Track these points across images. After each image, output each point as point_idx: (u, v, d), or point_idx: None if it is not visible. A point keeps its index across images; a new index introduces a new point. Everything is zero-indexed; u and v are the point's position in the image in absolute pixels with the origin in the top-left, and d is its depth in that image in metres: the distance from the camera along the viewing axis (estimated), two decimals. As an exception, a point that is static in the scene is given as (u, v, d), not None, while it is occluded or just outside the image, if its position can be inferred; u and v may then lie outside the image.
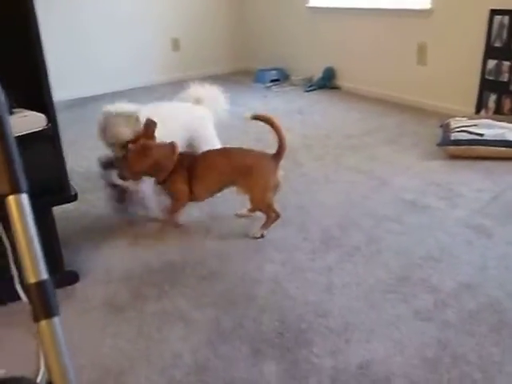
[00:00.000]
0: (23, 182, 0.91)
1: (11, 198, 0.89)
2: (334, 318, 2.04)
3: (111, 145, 2.89)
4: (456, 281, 2.23)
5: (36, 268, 0.87)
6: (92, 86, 6.07)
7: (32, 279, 0.87)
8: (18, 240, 0.88)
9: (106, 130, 2.87)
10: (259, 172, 2.66)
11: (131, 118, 2.85)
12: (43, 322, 0.86)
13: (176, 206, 2.85)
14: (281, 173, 2.69)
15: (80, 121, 5.13)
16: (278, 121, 2.62)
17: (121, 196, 2.99)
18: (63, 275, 2.41)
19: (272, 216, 2.73)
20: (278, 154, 2.66)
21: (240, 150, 2.79)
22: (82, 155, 4.09)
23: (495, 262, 2.34)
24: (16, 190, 0.90)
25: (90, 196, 3.35)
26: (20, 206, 0.90)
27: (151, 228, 2.91)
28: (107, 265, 2.57)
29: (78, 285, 2.41)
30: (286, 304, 2.15)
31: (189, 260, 2.55)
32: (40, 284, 0.87)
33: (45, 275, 0.88)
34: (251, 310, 2.13)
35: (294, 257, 2.51)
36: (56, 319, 0.88)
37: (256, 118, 2.66)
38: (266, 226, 2.74)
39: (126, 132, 2.83)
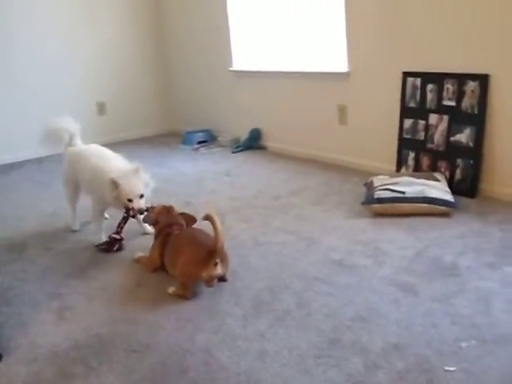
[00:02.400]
0: None
1: None
2: (267, 387, 2.03)
3: (128, 200, 3.24)
4: (385, 341, 2.26)
5: None
6: (15, 151, 5.95)
7: None
8: None
9: (119, 188, 3.21)
10: (187, 256, 2.73)
11: (137, 172, 3.27)
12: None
13: (146, 263, 3.11)
14: (217, 270, 2.70)
15: (2, 188, 5.00)
16: (219, 225, 2.63)
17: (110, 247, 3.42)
18: (-16, 356, 2.30)
19: (180, 294, 2.74)
20: (213, 252, 2.64)
21: (186, 236, 2.92)
22: (5, 225, 3.98)
23: (421, 320, 2.39)
24: None
25: (14, 268, 3.25)
26: None
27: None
28: (32, 342, 2.47)
29: (0, 365, 2.30)
30: (218, 375, 2.12)
31: (118, 332, 2.48)
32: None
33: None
34: (183, 383, 2.09)
35: (225, 324, 2.49)
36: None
37: (206, 218, 2.66)
38: (175, 292, 2.76)
39: (139, 184, 3.27)
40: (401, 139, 4.37)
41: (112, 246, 3.42)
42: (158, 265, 3.03)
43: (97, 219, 3.57)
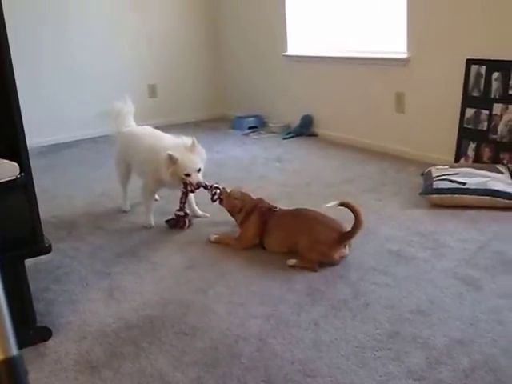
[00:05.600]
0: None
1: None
2: (323, 377, 1.94)
3: (186, 175, 3.22)
4: (448, 336, 2.14)
5: (5, 343, 0.76)
6: (67, 131, 5.99)
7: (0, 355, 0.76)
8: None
9: (177, 163, 3.19)
10: (317, 235, 2.81)
11: (194, 146, 3.25)
12: (12, 405, 0.75)
13: (236, 243, 3.11)
14: (345, 251, 2.82)
15: (53, 168, 5.03)
16: (356, 205, 2.76)
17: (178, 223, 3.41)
18: (35, 331, 2.27)
19: (307, 266, 2.78)
20: (349, 233, 2.77)
21: (310, 216, 2.93)
22: (55, 203, 3.98)
23: (486, 316, 2.26)
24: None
25: (64, 246, 3.23)
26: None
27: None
28: (82, 320, 2.44)
29: (50, 341, 2.28)
30: (271, 363, 2.04)
31: (168, 314, 2.43)
32: (9, 361, 0.76)
33: (15, 351, 0.77)
34: (235, 369, 2.02)
35: (278, 310, 2.41)
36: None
37: (342, 205, 2.78)
38: (299, 265, 2.80)
39: (197, 158, 3.26)
40: (461, 129, 4.20)
41: (178, 222, 3.40)
42: (255, 243, 3.05)
43: (147, 201, 3.54)
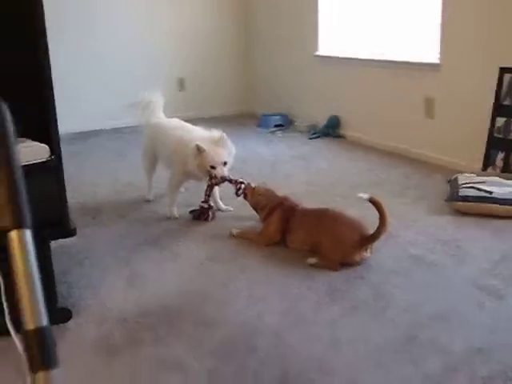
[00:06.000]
0: (28, 217, 0.82)
1: (13, 234, 0.80)
2: (340, 376, 1.94)
3: (211, 167, 3.23)
4: (466, 343, 2.12)
5: (36, 313, 0.78)
6: (93, 121, 6.06)
7: (30, 325, 0.78)
8: (17, 280, 0.79)
9: (204, 155, 3.21)
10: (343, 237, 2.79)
11: (222, 140, 3.27)
12: (40, 374, 0.77)
13: (258, 238, 3.11)
14: (366, 254, 2.81)
15: (78, 156, 5.08)
16: (385, 207, 2.75)
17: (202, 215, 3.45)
18: (56, 312, 2.30)
19: (328, 265, 2.77)
20: (372, 236, 2.76)
21: (334, 216, 2.91)
22: (81, 190, 4.02)
23: (507, 325, 2.24)
24: (19, 225, 0.81)
25: (87, 231, 3.27)
26: (23, 242, 0.81)
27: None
28: (102, 304, 2.47)
29: (70, 323, 2.32)
30: (288, 358, 2.04)
31: (188, 304, 2.45)
32: (39, 331, 0.78)
33: (45, 321, 0.78)
34: (252, 361, 2.02)
35: (297, 307, 2.41)
36: (55, 371, 0.78)
37: (372, 201, 2.77)
38: (320, 264, 2.78)
39: (224, 152, 3.26)
40: (491, 138, 4.15)
41: (203, 214, 3.43)
42: (277, 239, 3.05)
43: (172, 192, 3.56)
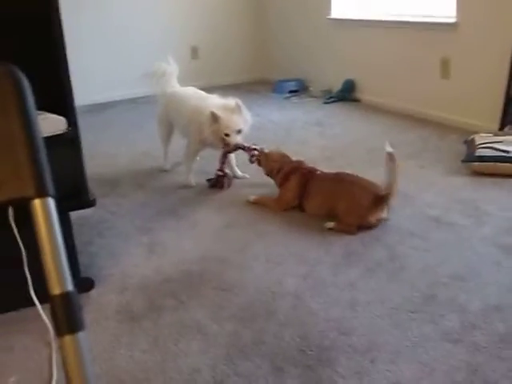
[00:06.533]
0: (50, 186, 0.85)
1: (37, 202, 0.83)
2: (358, 336, 1.97)
3: (225, 134, 3.24)
4: (484, 302, 2.14)
5: (61, 279, 0.80)
6: (110, 92, 6.06)
7: (56, 290, 0.80)
8: (42, 248, 0.82)
9: (218, 122, 3.21)
10: (357, 199, 2.81)
11: (237, 108, 3.26)
12: (67, 338, 0.79)
13: (274, 204, 3.13)
14: (383, 215, 2.82)
15: (96, 126, 5.11)
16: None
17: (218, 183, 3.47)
18: (78, 282, 2.34)
19: (345, 229, 2.79)
20: (385, 196, 2.77)
21: (349, 180, 2.94)
22: (98, 161, 4.05)
23: (525, 284, 2.26)
24: (42, 194, 0.83)
25: (106, 201, 3.31)
26: (46, 210, 0.83)
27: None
28: (123, 272, 2.51)
29: (93, 292, 2.36)
30: (307, 320, 2.08)
31: (207, 270, 2.49)
32: (65, 296, 0.80)
33: (70, 286, 0.81)
34: (272, 324, 2.06)
35: (315, 270, 2.44)
36: (81, 334, 0.81)
37: (390, 156, 2.79)
38: (338, 228, 2.81)
39: (239, 120, 3.25)
40: (508, 97, 4.10)
41: (218, 182, 3.46)
42: (294, 205, 3.08)
43: (189, 161, 3.58)
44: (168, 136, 3.83)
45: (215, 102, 3.41)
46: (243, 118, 3.30)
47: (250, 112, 3.40)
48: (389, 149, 2.79)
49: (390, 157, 2.77)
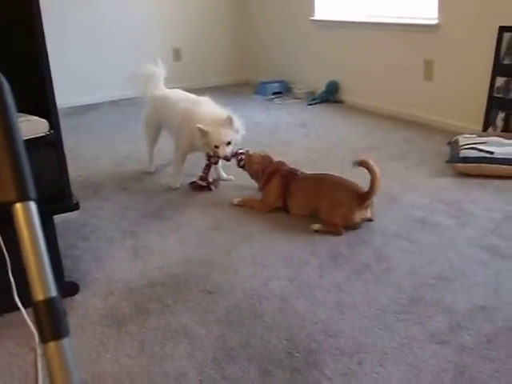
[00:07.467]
0: (32, 189, 0.83)
1: (19, 206, 0.80)
2: (345, 338, 1.96)
3: (214, 146, 3.22)
4: (471, 302, 2.14)
5: (45, 284, 0.78)
6: (90, 94, 6.02)
7: (40, 296, 0.78)
8: (25, 253, 0.80)
9: (208, 135, 3.19)
10: (340, 199, 2.83)
11: (227, 119, 3.22)
12: (51, 345, 0.77)
13: (259, 205, 3.14)
14: (367, 214, 2.83)
15: (79, 128, 5.07)
16: (377, 169, 2.76)
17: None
18: (63, 286, 2.32)
19: (331, 230, 2.80)
20: (367, 194, 2.77)
21: (331, 180, 2.95)
22: (81, 163, 4.02)
23: (510, 284, 2.26)
24: (24, 198, 0.81)
25: (90, 205, 3.27)
26: (28, 214, 0.81)
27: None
28: (108, 276, 2.48)
29: (77, 296, 2.33)
30: (294, 322, 2.07)
31: (193, 273, 2.47)
32: (49, 302, 0.78)
33: (54, 292, 0.79)
34: (258, 327, 2.05)
35: (301, 272, 2.43)
36: (66, 341, 0.79)
37: (360, 164, 2.79)
38: (323, 230, 2.81)
39: (228, 132, 3.21)
40: (490, 98, 4.13)
41: (201, 190, 3.46)
42: (277, 205, 3.08)
43: (178, 162, 3.55)
44: (154, 138, 3.80)
45: (208, 109, 3.38)
46: (233, 130, 3.26)
47: (234, 114, 3.36)
48: (353, 165, 2.83)
49: (359, 163, 2.80)
